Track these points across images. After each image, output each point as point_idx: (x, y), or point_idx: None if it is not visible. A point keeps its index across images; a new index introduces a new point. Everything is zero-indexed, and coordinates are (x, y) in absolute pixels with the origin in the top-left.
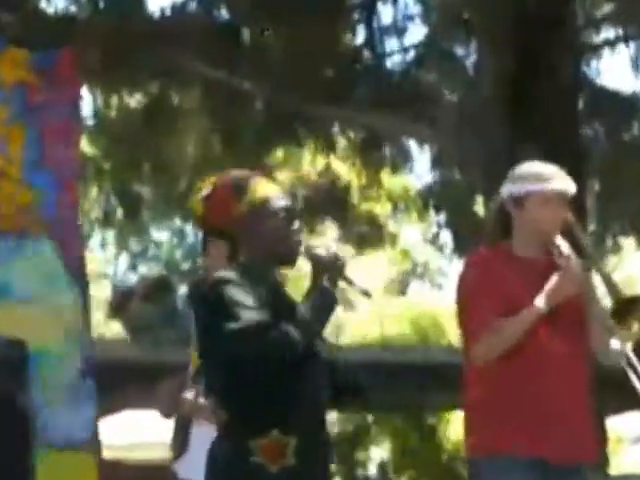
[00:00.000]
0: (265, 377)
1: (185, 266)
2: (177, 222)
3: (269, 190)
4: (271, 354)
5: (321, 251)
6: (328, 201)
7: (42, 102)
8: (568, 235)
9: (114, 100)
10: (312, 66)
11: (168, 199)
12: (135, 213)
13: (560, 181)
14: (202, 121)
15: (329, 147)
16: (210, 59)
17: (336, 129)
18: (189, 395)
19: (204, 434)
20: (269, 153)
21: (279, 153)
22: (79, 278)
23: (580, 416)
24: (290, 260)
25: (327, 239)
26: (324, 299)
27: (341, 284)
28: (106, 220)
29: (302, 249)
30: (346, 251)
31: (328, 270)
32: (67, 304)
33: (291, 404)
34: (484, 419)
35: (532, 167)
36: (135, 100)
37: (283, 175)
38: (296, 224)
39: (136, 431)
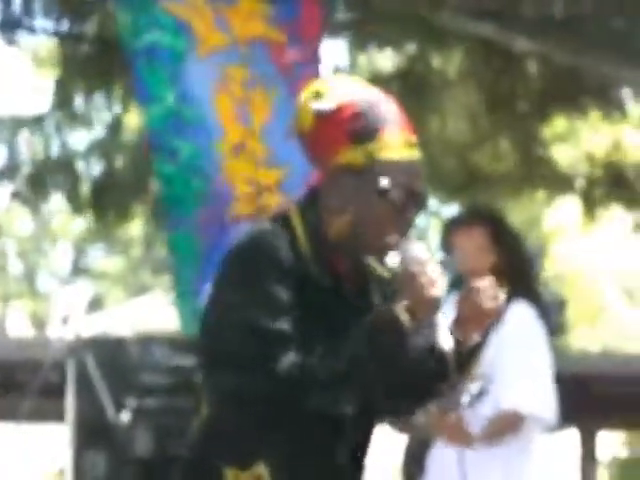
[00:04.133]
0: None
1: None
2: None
3: (402, 152)
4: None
5: (417, 265)
6: (614, 182)
7: (292, 61)
8: None
9: (362, 61)
10: (601, 15)
11: (430, 180)
12: None
13: None
14: (466, 88)
15: (619, 116)
16: (475, 11)
17: (627, 93)
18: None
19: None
20: (546, 125)
21: (559, 126)
22: None
23: None
24: (372, 252)
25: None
26: (385, 338)
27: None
28: None
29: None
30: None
31: (414, 295)
32: None
33: (289, 435)
34: None
35: None
36: (387, 61)
37: None
38: (409, 217)
39: None
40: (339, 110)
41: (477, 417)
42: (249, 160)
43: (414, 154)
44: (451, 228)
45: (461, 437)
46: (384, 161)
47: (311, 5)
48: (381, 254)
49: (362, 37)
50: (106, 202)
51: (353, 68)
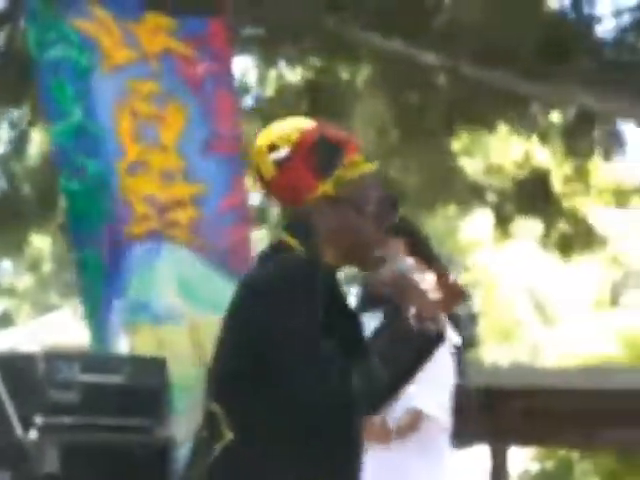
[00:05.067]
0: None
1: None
2: None
3: (365, 169)
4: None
5: (413, 272)
6: (528, 195)
7: (203, 75)
8: None
9: (271, 75)
10: (508, 33)
11: None
12: None
13: None
14: (375, 101)
15: (528, 131)
16: (385, 27)
17: (535, 109)
18: None
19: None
20: (454, 138)
21: (465, 139)
22: None
23: None
24: (366, 266)
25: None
26: (407, 344)
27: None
28: (260, 217)
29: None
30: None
31: (417, 303)
32: (210, 320)
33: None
34: None
35: None
36: (296, 76)
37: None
38: (386, 223)
39: None
40: (296, 154)
41: (390, 418)
42: (150, 178)
43: (371, 165)
44: None
45: (383, 437)
46: (352, 181)
47: (216, 20)
48: (375, 267)
49: (270, 52)
50: (7, 219)
51: (262, 82)
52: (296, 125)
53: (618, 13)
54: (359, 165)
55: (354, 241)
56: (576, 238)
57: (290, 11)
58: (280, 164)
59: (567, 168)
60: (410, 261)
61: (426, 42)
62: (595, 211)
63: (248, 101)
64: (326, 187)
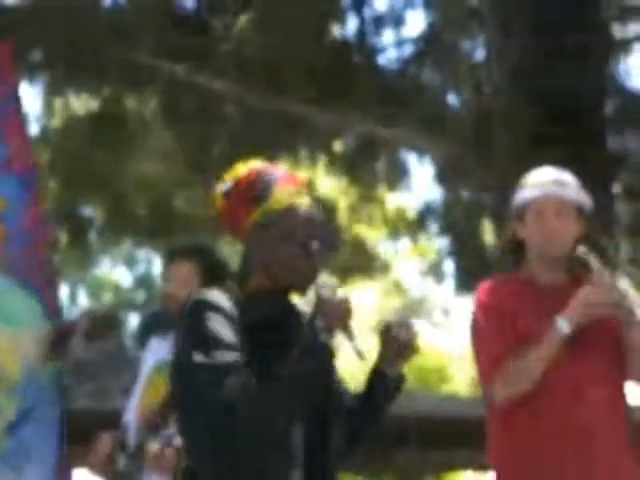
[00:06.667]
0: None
1: (136, 298)
2: (128, 248)
3: (292, 199)
4: (219, 404)
5: (327, 290)
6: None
7: None
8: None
9: (58, 104)
10: (293, 62)
11: (120, 222)
12: (81, 238)
13: (559, 187)
14: (163, 129)
15: (311, 159)
16: (172, 55)
17: (320, 137)
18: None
19: None
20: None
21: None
22: (52, 316)
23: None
24: (297, 289)
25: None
26: (312, 353)
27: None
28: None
29: (317, 279)
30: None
31: (329, 315)
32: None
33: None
34: None
35: (535, 174)
36: (83, 105)
37: None
38: (315, 246)
39: None
40: (236, 185)
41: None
42: None
43: (304, 200)
44: (168, 261)
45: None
46: (280, 211)
47: (3, 47)
48: (304, 284)
49: (57, 79)
50: None
51: (49, 112)
52: (250, 164)
53: (401, 43)
54: (289, 197)
55: (282, 267)
56: (356, 265)
57: (74, 36)
58: (225, 195)
59: (351, 197)
60: (327, 279)
61: (213, 71)
62: (378, 239)
63: (34, 130)
64: (255, 216)
